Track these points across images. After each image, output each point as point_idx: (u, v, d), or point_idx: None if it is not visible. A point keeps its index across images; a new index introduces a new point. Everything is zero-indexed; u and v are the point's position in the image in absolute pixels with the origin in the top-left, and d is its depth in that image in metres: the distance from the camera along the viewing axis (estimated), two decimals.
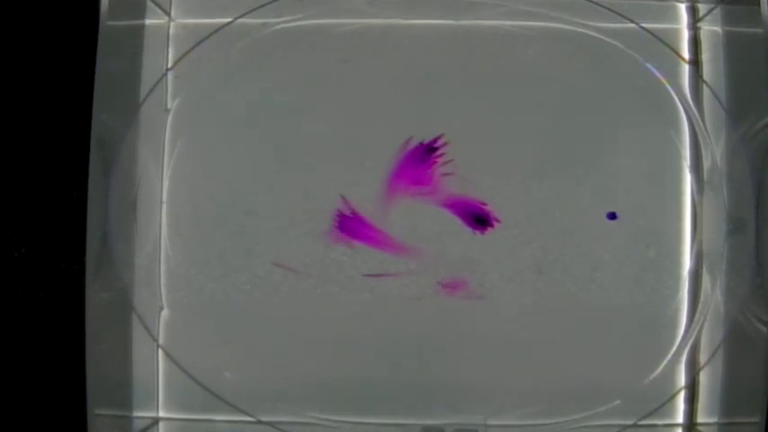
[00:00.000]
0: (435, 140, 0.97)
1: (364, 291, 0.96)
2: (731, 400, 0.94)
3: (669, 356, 0.96)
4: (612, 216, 0.96)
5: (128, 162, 0.95)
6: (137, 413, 0.96)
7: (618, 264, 0.97)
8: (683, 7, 0.99)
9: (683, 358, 0.96)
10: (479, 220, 0.96)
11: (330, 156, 0.97)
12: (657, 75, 0.98)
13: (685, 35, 0.99)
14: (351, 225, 0.96)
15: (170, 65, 0.98)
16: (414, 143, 0.97)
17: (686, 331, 0.96)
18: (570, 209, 0.97)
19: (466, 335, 0.97)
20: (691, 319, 0.96)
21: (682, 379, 0.97)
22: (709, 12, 0.97)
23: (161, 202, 0.97)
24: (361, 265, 0.97)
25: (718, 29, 0.97)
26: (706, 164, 0.97)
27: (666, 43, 0.98)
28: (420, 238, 0.96)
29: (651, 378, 0.96)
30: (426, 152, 0.97)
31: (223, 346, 0.97)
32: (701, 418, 0.96)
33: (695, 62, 0.98)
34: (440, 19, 0.99)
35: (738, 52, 0.96)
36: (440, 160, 0.97)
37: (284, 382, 0.97)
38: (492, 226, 0.96)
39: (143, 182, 0.97)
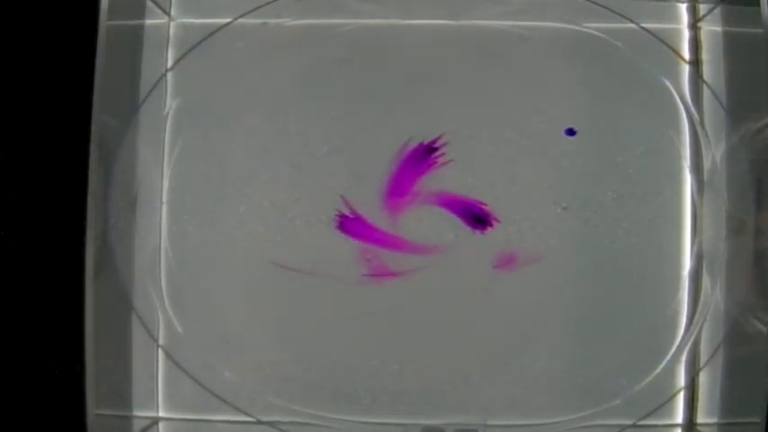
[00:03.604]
0: (435, 141, 0.97)
1: (367, 289, 0.96)
2: (731, 400, 0.95)
3: (669, 356, 0.96)
4: (571, 132, 0.96)
5: (128, 162, 0.96)
6: (137, 413, 0.96)
7: (618, 264, 0.97)
8: (683, 7, 0.99)
9: (683, 358, 0.96)
10: (479, 219, 0.96)
11: (330, 156, 0.97)
12: (657, 75, 0.98)
13: (685, 35, 0.99)
14: (351, 225, 0.96)
15: (170, 65, 0.98)
16: (414, 143, 0.97)
17: (686, 331, 0.96)
18: (570, 209, 0.97)
19: (460, 336, 0.97)
20: (691, 319, 0.96)
21: (681, 379, 0.97)
22: (710, 12, 0.97)
23: (161, 202, 0.97)
24: (360, 263, 0.96)
25: (719, 29, 0.97)
26: (706, 164, 0.97)
27: (666, 43, 0.98)
28: (424, 236, 0.96)
29: (651, 378, 0.96)
30: (426, 152, 0.97)
31: (223, 346, 0.97)
32: (700, 418, 0.96)
33: (695, 62, 0.98)
34: (440, 19, 0.99)
35: (738, 52, 0.96)
36: (440, 160, 0.97)
37: (284, 381, 0.97)
38: (492, 225, 0.96)
39: (143, 182, 0.97)
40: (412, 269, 0.96)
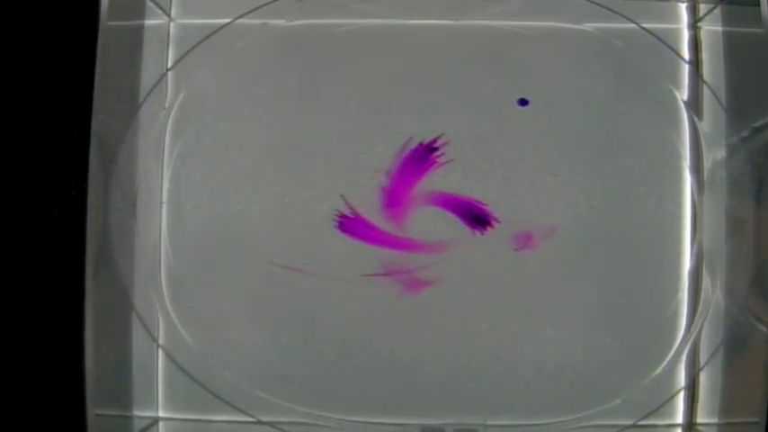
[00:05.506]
0: (435, 140, 0.97)
1: (366, 289, 0.96)
2: (731, 400, 0.95)
3: (669, 356, 0.96)
4: (523, 102, 0.96)
5: (128, 162, 0.96)
6: (137, 413, 0.96)
7: (618, 264, 0.97)
8: (683, 7, 0.99)
9: (683, 358, 0.96)
10: (479, 219, 0.96)
11: (330, 156, 0.97)
12: (657, 75, 0.98)
13: (685, 35, 0.99)
14: (352, 225, 0.96)
15: (170, 65, 0.98)
16: (414, 143, 0.97)
17: (686, 331, 0.96)
18: (570, 208, 0.97)
19: (455, 336, 0.97)
20: (691, 319, 0.96)
21: (682, 379, 0.97)
22: (709, 12, 0.97)
23: (161, 203, 0.97)
24: (360, 263, 0.96)
25: (719, 29, 0.97)
26: (706, 164, 0.97)
27: (666, 43, 0.98)
28: (430, 234, 0.96)
29: (651, 378, 0.96)
30: (426, 152, 0.97)
31: (223, 346, 0.97)
32: (700, 419, 0.96)
33: (695, 62, 0.98)
34: (440, 19, 0.99)
35: (738, 52, 0.96)
36: (440, 160, 0.97)
37: (284, 381, 0.97)
38: (492, 226, 0.96)
39: (143, 182, 0.97)
40: (435, 268, 0.96)
